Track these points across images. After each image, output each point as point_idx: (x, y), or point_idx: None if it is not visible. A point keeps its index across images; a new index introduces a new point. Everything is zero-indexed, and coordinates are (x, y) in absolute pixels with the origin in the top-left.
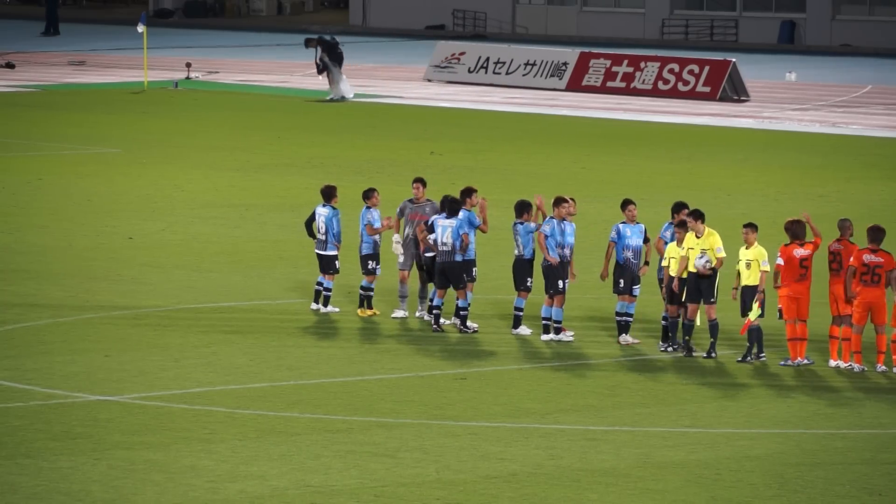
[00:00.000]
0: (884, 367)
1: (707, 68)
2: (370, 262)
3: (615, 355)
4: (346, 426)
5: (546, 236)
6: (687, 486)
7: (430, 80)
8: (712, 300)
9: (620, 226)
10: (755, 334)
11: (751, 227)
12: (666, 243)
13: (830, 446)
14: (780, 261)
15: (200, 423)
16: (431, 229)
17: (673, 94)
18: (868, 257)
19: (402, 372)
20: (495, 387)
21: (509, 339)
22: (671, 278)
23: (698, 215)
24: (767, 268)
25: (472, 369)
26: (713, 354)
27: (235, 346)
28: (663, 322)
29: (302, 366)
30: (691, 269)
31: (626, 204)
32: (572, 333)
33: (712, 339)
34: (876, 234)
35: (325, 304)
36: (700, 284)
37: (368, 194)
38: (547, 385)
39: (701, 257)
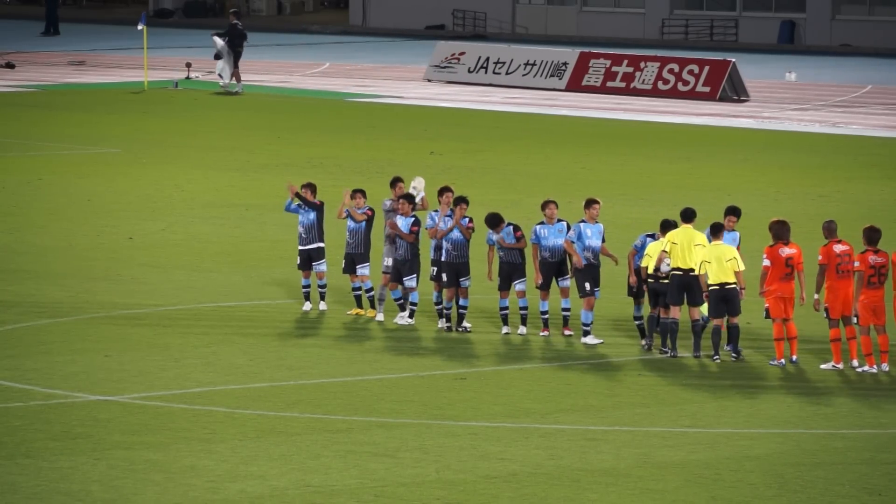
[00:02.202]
0: (886, 367)
1: (707, 68)
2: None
3: (615, 355)
4: (346, 426)
5: (573, 242)
6: (687, 486)
7: (429, 80)
8: (698, 302)
9: (647, 239)
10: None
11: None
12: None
13: (830, 446)
14: (767, 262)
15: (200, 423)
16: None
17: (673, 94)
18: (873, 258)
19: (402, 372)
20: (495, 387)
21: (508, 339)
22: (649, 276)
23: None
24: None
25: (471, 369)
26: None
27: (235, 346)
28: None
29: (302, 366)
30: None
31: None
32: (570, 333)
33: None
34: (873, 234)
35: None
36: (687, 285)
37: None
38: (547, 385)
39: (665, 259)
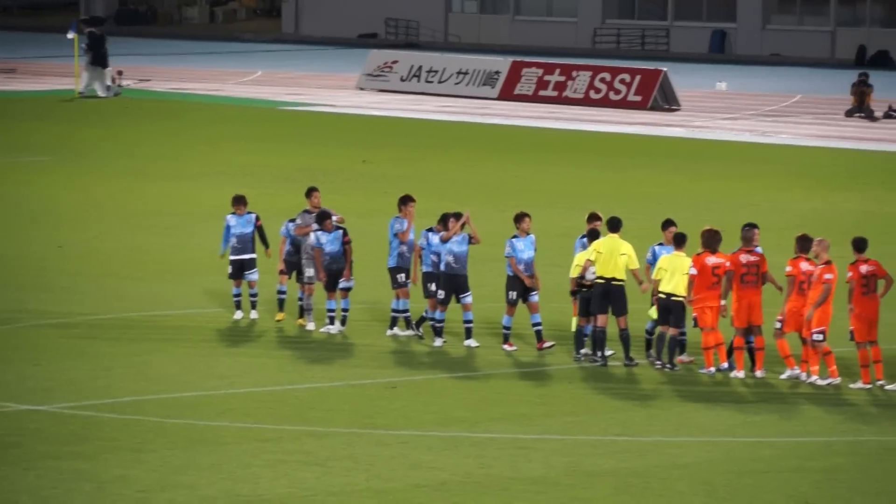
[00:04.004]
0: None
1: (638, 77)
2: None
3: (545, 364)
4: (276, 435)
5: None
6: (616, 494)
7: (362, 89)
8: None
9: (659, 249)
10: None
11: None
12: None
13: (758, 454)
14: (694, 270)
15: (130, 432)
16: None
17: (604, 103)
18: (805, 266)
19: (332, 381)
20: (426, 395)
21: (440, 348)
22: (580, 286)
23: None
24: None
25: (402, 378)
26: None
27: (166, 354)
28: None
29: (232, 374)
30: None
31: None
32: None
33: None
34: (805, 243)
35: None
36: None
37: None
38: (477, 394)
39: (590, 267)
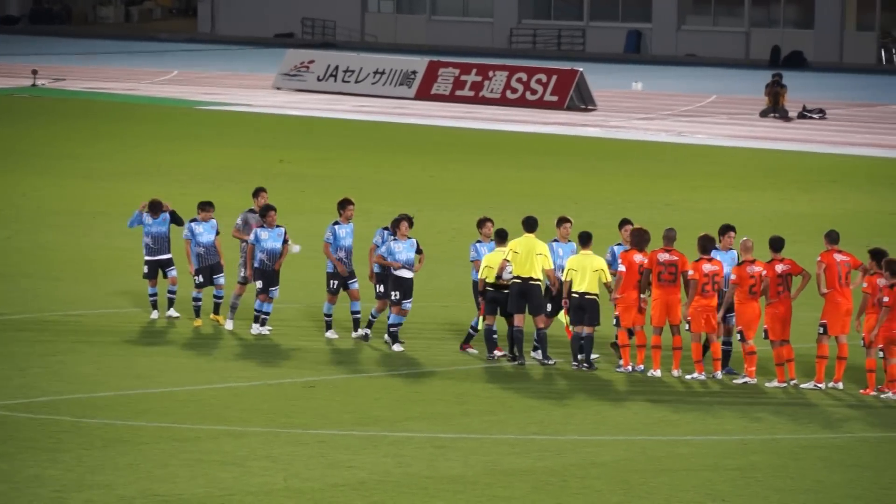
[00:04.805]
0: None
1: (555, 77)
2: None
3: (463, 363)
4: (193, 435)
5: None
6: (534, 492)
7: (278, 88)
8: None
9: (616, 248)
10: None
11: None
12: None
13: (675, 453)
14: (622, 267)
15: (46, 432)
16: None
17: (521, 103)
18: (708, 267)
19: (250, 380)
20: (344, 395)
21: (358, 347)
22: (487, 285)
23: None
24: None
25: (320, 377)
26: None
27: (82, 354)
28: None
29: (149, 374)
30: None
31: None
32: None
33: (542, 347)
34: (707, 243)
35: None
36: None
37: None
38: (395, 393)
39: (507, 266)
